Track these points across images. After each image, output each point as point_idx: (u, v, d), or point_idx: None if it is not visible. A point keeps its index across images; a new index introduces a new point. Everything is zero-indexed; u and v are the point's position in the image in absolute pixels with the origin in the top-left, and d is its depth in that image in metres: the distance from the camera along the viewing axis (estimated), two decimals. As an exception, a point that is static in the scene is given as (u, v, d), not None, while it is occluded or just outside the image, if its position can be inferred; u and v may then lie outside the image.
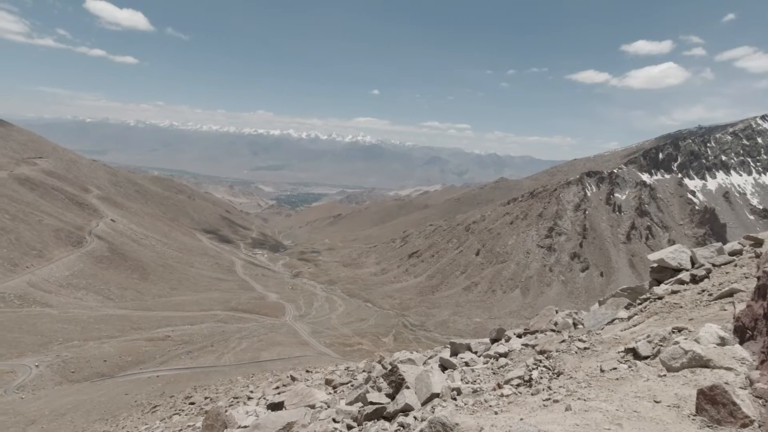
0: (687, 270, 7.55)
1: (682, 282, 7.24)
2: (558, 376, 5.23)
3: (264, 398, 15.32)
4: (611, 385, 4.42)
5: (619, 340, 5.95)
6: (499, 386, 5.48)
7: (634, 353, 4.96)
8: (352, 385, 10.72)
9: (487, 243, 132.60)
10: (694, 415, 3.48)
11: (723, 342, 4.47)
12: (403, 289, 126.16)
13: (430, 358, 9.52)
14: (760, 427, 3.16)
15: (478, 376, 6.64)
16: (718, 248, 7.85)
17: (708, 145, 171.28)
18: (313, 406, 7.65)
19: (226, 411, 8.30)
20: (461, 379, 6.60)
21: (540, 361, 5.95)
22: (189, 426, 14.72)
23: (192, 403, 23.03)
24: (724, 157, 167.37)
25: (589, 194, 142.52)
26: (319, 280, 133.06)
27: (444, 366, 7.77)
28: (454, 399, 5.40)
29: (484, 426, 3.77)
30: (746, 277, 6.32)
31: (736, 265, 7.08)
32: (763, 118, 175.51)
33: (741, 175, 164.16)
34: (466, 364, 7.70)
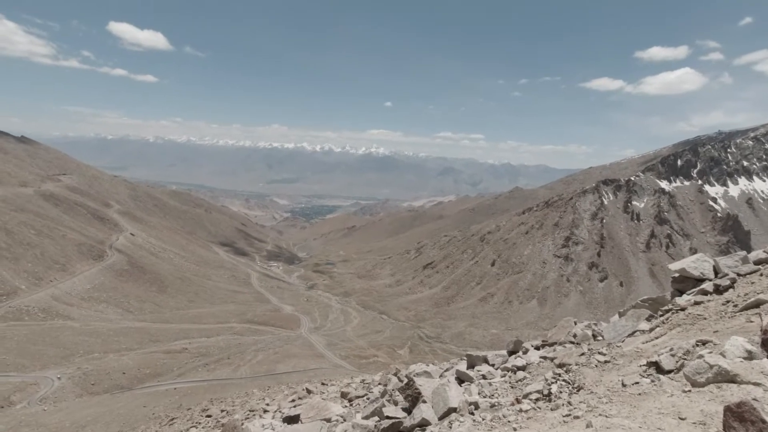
0: (710, 280, 7.35)
1: (705, 292, 7.04)
2: (578, 390, 5.12)
3: (280, 411, 15.29)
4: (634, 400, 4.30)
5: (640, 353, 5.80)
6: (518, 401, 5.38)
7: (657, 367, 4.82)
8: (368, 399, 10.64)
9: (502, 253, 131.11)
10: (722, 433, 3.36)
11: (750, 356, 4.32)
12: (418, 301, 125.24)
13: (447, 370, 9.41)
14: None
15: (496, 389, 6.53)
16: (743, 257, 7.63)
17: (728, 150, 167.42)
18: (329, 420, 7.61)
19: (242, 424, 8.31)
20: (478, 393, 6.50)
21: (559, 374, 5.83)
22: (206, 439, 14.72)
23: (209, 416, 23.11)
24: (745, 163, 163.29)
25: (606, 202, 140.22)
26: (334, 291, 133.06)
27: (461, 379, 7.67)
28: (472, 414, 5.32)
29: (502, 442, 3.71)
30: (773, 288, 6.12)
31: (762, 275, 6.86)
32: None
33: (764, 181, 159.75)
34: (483, 377, 7.59)
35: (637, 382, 4.63)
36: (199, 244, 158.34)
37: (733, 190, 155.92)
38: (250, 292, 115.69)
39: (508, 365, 7.67)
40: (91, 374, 50.42)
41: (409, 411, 5.84)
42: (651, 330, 6.82)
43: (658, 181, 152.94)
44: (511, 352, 8.77)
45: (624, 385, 4.67)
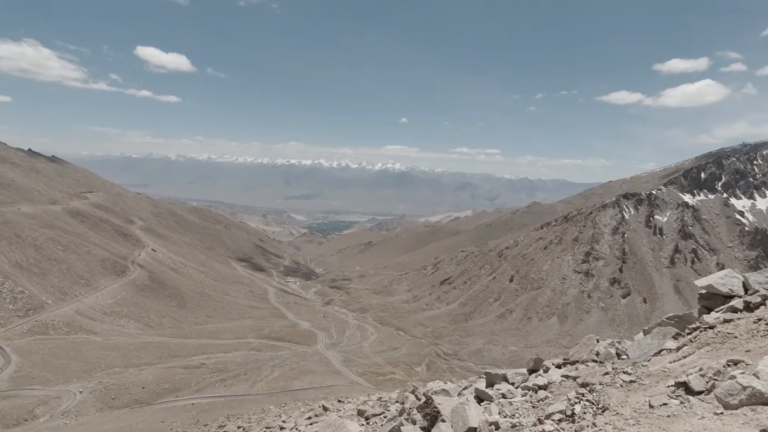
0: (740, 296, 7.07)
1: (734, 310, 6.78)
2: (603, 411, 4.95)
3: (296, 429, 15.17)
4: (662, 422, 4.13)
5: (668, 372, 5.59)
6: (540, 421, 5.23)
7: (686, 388, 4.64)
8: (385, 417, 10.49)
9: (521, 269, 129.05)
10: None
11: (786, 376, 4.12)
12: (435, 317, 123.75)
13: (465, 388, 9.23)
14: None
15: (517, 409, 6.36)
16: (774, 273, 7.33)
17: (755, 162, 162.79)
18: (346, 439, 7.50)
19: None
20: (499, 413, 6.34)
21: (582, 394, 5.65)
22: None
23: (226, 433, 23.08)
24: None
25: (627, 217, 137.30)
26: (350, 307, 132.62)
27: (480, 398, 7.51)
28: (492, 434, 5.18)
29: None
30: (808, 305, 5.86)
31: (795, 292, 6.57)
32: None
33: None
34: (503, 396, 7.41)
35: (665, 404, 4.46)
36: (217, 259, 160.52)
37: (761, 203, 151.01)
38: (267, 307, 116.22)
39: (529, 384, 7.48)
40: (111, 388, 51.05)
41: (427, 430, 5.73)
42: (678, 349, 6.58)
43: (681, 194, 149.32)
44: (532, 371, 8.56)
45: (651, 407, 4.50)
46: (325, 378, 66.15)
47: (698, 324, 6.92)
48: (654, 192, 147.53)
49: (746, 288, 7.27)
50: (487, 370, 8.91)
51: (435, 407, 5.89)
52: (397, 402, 11.58)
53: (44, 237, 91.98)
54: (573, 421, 4.97)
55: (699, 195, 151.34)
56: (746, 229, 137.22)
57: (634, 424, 4.22)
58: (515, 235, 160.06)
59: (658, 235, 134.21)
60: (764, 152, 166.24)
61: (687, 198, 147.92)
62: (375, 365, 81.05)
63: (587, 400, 5.42)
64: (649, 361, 6.64)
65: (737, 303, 6.85)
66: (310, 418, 17.97)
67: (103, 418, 41.55)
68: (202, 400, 49.36)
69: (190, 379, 57.87)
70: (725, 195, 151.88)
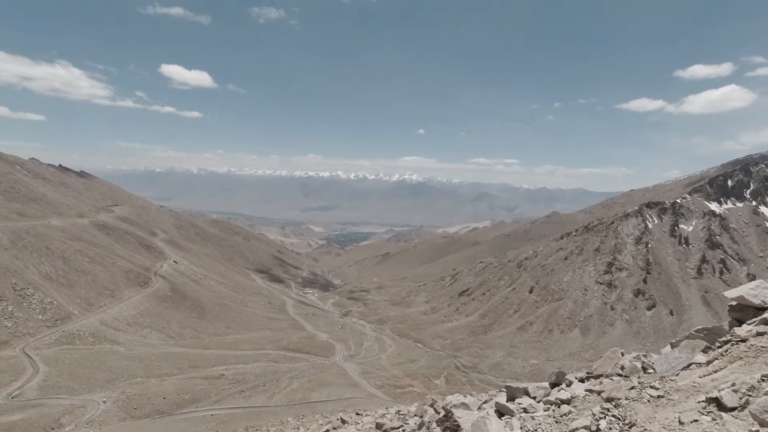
0: (773, 309, 6.78)
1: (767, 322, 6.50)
2: (630, 427, 4.78)
3: (315, 441, 15.11)
4: (693, 439, 3.97)
5: (698, 388, 5.38)
6: (563, 437, 5.08)
7: (718, 404, 4.45)
8: (403, 430, 10.35)
9: (540, 280, 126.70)
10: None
11: (826, 393, 3.92)
12: (454, 329, 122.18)
13: (485, 402, 9.05)
14: None
15: (539, 424, 6.20)
16: (809, 284, 7.02)
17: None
18: (364, 452, 7.43)
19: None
20: (520, 428, 6.19)
21: (608, 409, 5.47)
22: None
23: (244, 444, 23.12)
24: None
25: (650, 226, 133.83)
26: (368, 319, 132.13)
27: (501, 412, 7.35)
28: (514, 449, 5.06)
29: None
30: None
31: (833, 303, 6.27)
32: None
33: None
34: (525, 410, 7.24)
35: (696, 420, 4.29)
36: (237, 271, 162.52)
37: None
38: (285, 318, 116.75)
39: (551, 398, 7.29)
40: (134, 398, 51.80)
41: (447, 444, 5.62)
42: (708, 363, 6.33)
43: (707, 203, 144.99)
44: (554, 385, 8.35)
45: (681, 423, 4.33)
46: (343, 390, 65.81)
47: (729, 337, 6.66)
48: (678, 200, 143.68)
49: (780, 299, 6.97)
50: (507, 384, 8.73)
51: (455, 421, 5.79)
52: (416, 415, 11.43)
53: (72, 249, 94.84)
54: (598, 438, 4.81)
55: (726, 203, 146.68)
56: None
57: (663, 442, 4.06)
58: (534, 245, 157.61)
59: (684, 245, 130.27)
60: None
61: (713, 206, 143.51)
62: (393, 378, 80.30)
63: (613, 416, 5.25)
64: (677, 375, 6.40)
65: (770, 315, 6.56)
66: (328, 430, 17.87)
67: (126, 428, 42.14)
68: (221, 411, 49.63)
69: (209, 389, 58.33)
70: (754, 203, 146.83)
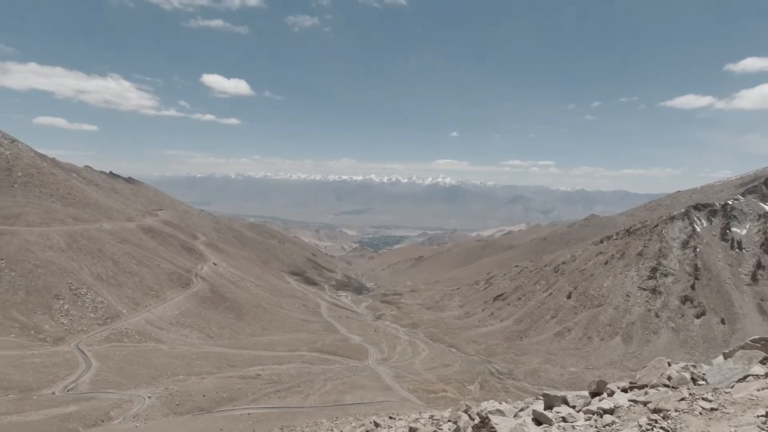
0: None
1: (835, 333, 6.00)
2: (679, 440, 4.52)
3: (349, 443, 15.20)
4: (750, 456, 3.71)
5: (756, 401, 5.02)
6: (606, 448, 4.87)
7: (778, 418, 4.14)
8: (438, 436, 10.25)
9: (579, 285, 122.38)
10: None
11: None
12: (488, 334, 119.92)
13: (522, 410, 8.81)
14: None
15: (580, 434, 5.96)
16: None
17: None
18: (398, 456, 7.40)
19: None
20: (560, 437, 5.98)
21: (655, 420, 5.20)
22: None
23: (280, 444, 23.54)
24: None
25: (698, 229, 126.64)
26: (401, 323, 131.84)
27: (538, 420, 7.14)
28: (554, 459, 4.89)
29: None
30: None
31: None
32: None
33: None
34: (564, 419, 6.99)
35: (753, 435, 4.00)
36: (272, 273, 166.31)
37: None
38: (319, 321, 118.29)
39: (592, 408, 7.01)
40: (176, 395, 53.88)
41: (483, 451, 5.51)
42: (767, 375, 5.91)
43: (762, 204, 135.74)
44: (594, 394, 8.03)
45: (737, 438, 4.05)
46: (376, 393, 65.88)
47: (790, 348, 6.19)
48: (730, 202, 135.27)
49: None
50: (544, 392, 8.47)
51: (492, 427, 5.67)
52: (449, 421, 11.28)
53: (121, 251, 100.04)
54: (644, 450, 4.58)
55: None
56: None
57: (716, 457, 3.82)
58: (572, 249, 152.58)
59: (737, 249, 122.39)
60: None
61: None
62: (426, 382, 79.66)
63: (661, 428, 4.99)
64: (732, 387, 6.01)
65: (838, 325, 6.06)
66: (361, 433, 17.93)
67: (169, 423, 43.84)
68: (257, 411, 50.77)
69: (246, 389, 59.84)
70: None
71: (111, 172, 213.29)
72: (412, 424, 12.20)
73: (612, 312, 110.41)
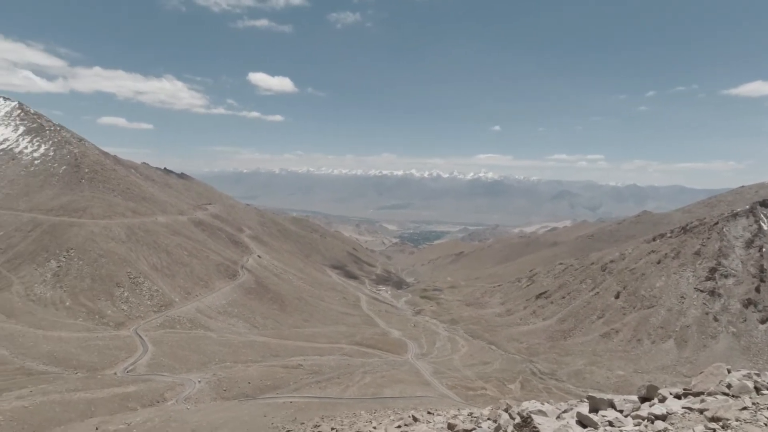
0: None
1: None
2: (738, 451, 4.28)
3: (388, 436, 15.39)
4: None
5: (827, 415, 4.65)
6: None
7: None
8: (478, 433, 10.18)
9: (628, 285, 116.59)
10: None
11: None
12: (530, 333, 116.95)
13: (565, 411, 8.59)
14: None
15: (628, 439, 5.75)
16: None
17: None
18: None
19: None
20: (606, 441, 5.80)
21: (713, 430, 4.94)
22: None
23: (321, 432, 24.18)
24: None
25: (765, 228, 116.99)
26: (441, 318, 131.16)
27: (583, 423, 6.94)
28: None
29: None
30: None
31: None
32: None
33: None
34: (610, 423, 6.76)
35: (823, 451, 3.72)
36: (314, 266, 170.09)
37: None
38: (359, 314, 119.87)
39: (642, 413, 6.72)
40: (223, 381, 56.54)
41: (525, 451, 5.44)
42: (842, 387, 5.44)
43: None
44: (644, 399, 7.69)
45: (804, 453, 3.78)
46: (415, 388, 66.04)
47: None
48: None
49: None
50: (590, 394, 8.21)
51: (535, 427, 5.59)
52: (489, 419, 11.17)
53: (174, 243, 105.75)
54: (699, 460, 4.36)
55: None
56: None
57: (780, 472, 3.58)
58: (621, 247, 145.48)
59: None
60: None
61: None
62: (465, 379, 78.94)
63: (717, 438, 4.73)
64: (800, 399, 5.59)
65: None
66: (400, 426, 18.09)
67: (217, 407, 46.09)
68: (299, 399, 52.31)
69: (288, 378, 61.78)
70: None
71: (165, 168, 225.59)
72: (451, 420, 12.19)
73: (665, 314, 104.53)
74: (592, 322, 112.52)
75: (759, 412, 5.09)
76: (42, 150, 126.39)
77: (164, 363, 61.31)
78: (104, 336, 67.47)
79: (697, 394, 7.11)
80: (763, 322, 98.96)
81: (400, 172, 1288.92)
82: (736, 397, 6.26)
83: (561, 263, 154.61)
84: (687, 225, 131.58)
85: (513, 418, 8.42)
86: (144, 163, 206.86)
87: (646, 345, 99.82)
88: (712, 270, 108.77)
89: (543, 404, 9.97)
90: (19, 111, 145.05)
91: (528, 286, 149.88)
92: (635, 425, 6.34)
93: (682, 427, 5.58)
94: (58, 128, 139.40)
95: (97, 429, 34.33)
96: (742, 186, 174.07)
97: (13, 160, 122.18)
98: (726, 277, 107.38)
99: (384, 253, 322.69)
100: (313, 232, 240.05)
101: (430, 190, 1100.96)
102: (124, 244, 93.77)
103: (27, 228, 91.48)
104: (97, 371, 55.63)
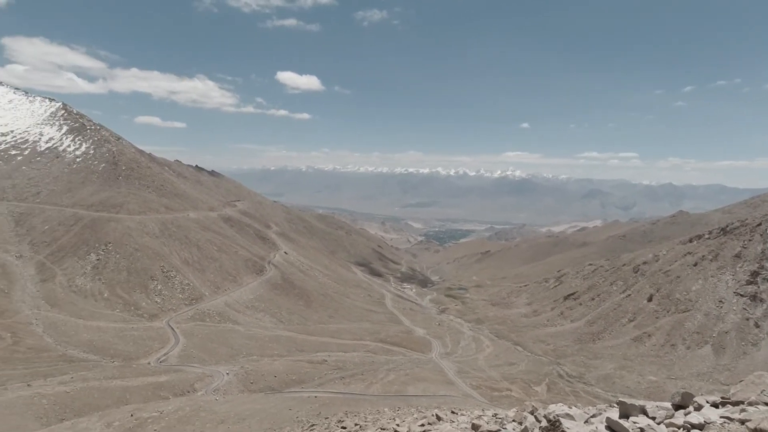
0: None
1: None
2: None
3: (412, 433, 15.42)
4: None
5: None
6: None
7: None
8: (502, 435, 10.10)
9: (662, 287, 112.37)
10: None
11: None
12: (557, 334, 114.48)
13: (593, 416, 8.40)
14: None
15: (660, 448, 5.60)
16: None
17: None
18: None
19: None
20: (637, 449, 5.66)
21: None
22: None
23: (344, 428, 24.48)
24: None
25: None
26: (465, 318, 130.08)
27: (612, 429, 6.79)
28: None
29: None
30: None
31: None
32: None
33: None
34: (642, 430, 6.58)
35: None
36: (339, 263, 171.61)
37: None
38: (383, 312, 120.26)
39: (677, 421, 6.52)
40: (251, 374, 57.91)
41: (551, 454, 5.37)
42: None
43: None
44: (678, 406, 7.44)
45: None
46: (438, 387, 65.81)
47: None
48: None
49: None
50: (620, 399, 7.99)
51: (563, 431, 5.52)
52: (514, 421, 11.05)
53: (204, 239, 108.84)
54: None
55: None
56: None
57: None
58: (655, 248, 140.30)
59: None
60: None
61: None
62: (490, 379, 78.09)
63: (756, 450, 4.55)
64: None
65: None
66: (423, 425, 18.10)
67: (244, 399, 47.28)
68: (323, 394, 53.04)
69: (313, 373, 62.70)
70: None
71: (197, 166, 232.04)
72: (475, 421, 12.11)
73: (701, 319, 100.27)
74: (623, 325, 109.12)
75: (802, 425, 4.86)
76: (83, 148, 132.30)
77: (194, 354, 63.31)
78: (139, 327, 70.23)
79: (736, 404, 6.83)
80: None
81: (426, 170, 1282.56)
82: (778, 408, 5.98)
83: (591, 264, 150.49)
84: (727, 226, 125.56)
85: (539, 421, 8.31)
86: (177, 160, 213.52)
87: (680, 350, 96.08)
88: (754, 273, 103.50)
89: (570, 408, 9.78)
90: (63, 111, 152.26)
91: (556, 286, 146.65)
92: (668, 433, 6.15)
93: (719, 438, 5.39)
94: (98, 127, 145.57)
95: (132, 415, 35.84)
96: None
97: (57, 158, 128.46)
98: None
99: (409, 251, 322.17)
100: (338, 229, 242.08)
101: (456, 187, 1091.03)
102: (157, 239, 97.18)
103: (69, 222, 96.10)
104: (132, 360, 57.99)
